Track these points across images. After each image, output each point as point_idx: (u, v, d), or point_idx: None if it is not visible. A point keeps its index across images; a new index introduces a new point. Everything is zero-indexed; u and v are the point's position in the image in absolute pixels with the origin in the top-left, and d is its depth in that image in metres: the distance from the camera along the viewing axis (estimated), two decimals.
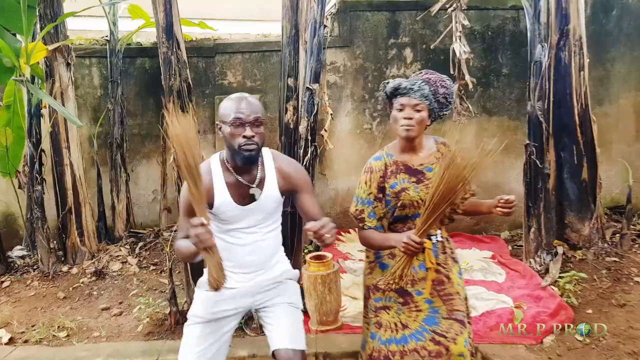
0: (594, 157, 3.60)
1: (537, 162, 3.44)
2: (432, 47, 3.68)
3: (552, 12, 3.48)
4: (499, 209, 1.79)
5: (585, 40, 3.56)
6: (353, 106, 4.89)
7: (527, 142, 3.50)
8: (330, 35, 4.79)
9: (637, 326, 2.80)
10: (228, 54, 4.95)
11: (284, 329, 1.84)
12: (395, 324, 1.90)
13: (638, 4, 4.65)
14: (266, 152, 1.88)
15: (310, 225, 1.54)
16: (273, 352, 1.82)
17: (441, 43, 4.44)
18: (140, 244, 4.83)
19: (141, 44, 5.25)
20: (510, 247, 4.42)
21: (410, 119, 1.81)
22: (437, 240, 1.91)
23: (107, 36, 5.06)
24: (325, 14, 4.39)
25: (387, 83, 1.89)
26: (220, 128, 1.77)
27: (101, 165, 5.03)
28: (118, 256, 4.57)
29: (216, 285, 1.58)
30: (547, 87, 3.50)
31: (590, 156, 3.59)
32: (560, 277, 3.33)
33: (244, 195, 1.81)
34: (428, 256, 1.83)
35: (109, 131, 5.00)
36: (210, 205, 1.79)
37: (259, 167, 1.82)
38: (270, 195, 1.83)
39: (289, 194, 1.90)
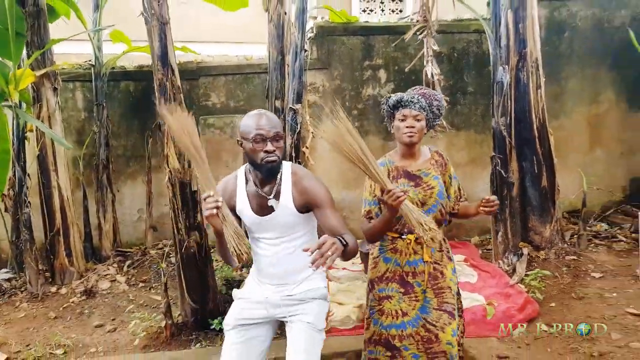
0: (552, 166, 3.97)
1: (502, 172, 3.78)
2: (406, 69, 4.00)
3: (511, 37, 3.87)
4: (482, 208, 2.01)
5: (541, 62, 3.96)
6: None
7: (493, 154, 3.84)
8: (309, 58, 5.06)
9: (594, 316, 3.13)
10: (212, 76, 5.14)
11: (298, 351, 1.85)
12: (396, 312, 2.11)
13: (586, 26, 5.13)
14: (286, 165, 1.95)
15: (308, 246, 1.58)
16: None
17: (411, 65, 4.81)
18: (128, 262, 4.89)
19: (125, 68, 5.38)
20: (480, 251, 4.74)
21: (413, 127, 2.06)
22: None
23: (90, 60, 5.18)
24: (306, 39, 4.72)
25: (389, 97, 2.15)
26: (241, 144, 1.88)
27: (87, 186, 5.09)
28: (106, 275, 4.60)
29: (239, 255, 1.68)
30: (508, 104, 3.87)
31: (548, 165, 3.96)
32: (526, 276, 3.66)
33: (262, 206, 1.91)
34: (426, 251, 2.09)
35: (94, 153, 5.08)
36: (233, 208, 1.94)
37: (278, 180, 1.91)
38: (285, 207, 1.89)
39: (309, 209, 1.92)
